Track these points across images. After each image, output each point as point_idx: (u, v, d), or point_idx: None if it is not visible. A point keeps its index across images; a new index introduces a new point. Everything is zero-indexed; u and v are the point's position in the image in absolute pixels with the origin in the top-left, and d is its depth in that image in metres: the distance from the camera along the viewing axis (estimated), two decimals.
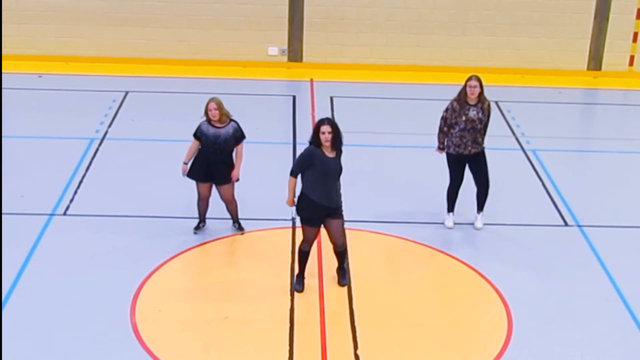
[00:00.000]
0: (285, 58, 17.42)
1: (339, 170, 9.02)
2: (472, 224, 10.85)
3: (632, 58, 17.54)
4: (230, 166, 10.13)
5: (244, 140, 10.15)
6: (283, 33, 17.25)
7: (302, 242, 9.25)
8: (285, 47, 17.33)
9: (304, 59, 17.42)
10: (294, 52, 17.38)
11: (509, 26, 17.26)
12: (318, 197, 8.96)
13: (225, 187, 10.22)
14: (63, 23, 17.02)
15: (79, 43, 17.13)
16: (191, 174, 10.22)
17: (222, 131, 9.97)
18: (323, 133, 8.79)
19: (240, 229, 10.50)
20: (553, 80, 17.19)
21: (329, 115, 14.66)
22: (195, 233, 10.43)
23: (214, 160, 10.03)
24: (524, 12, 17.18)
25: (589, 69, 17.63)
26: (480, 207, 10.84)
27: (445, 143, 10.53)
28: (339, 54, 17.34)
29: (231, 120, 10.06)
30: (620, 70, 17.58)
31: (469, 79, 10.37)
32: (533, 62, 17.47)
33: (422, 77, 16.99)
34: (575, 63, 17.54)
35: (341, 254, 9.36)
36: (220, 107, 9.95)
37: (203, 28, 17.13)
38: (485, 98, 10.42)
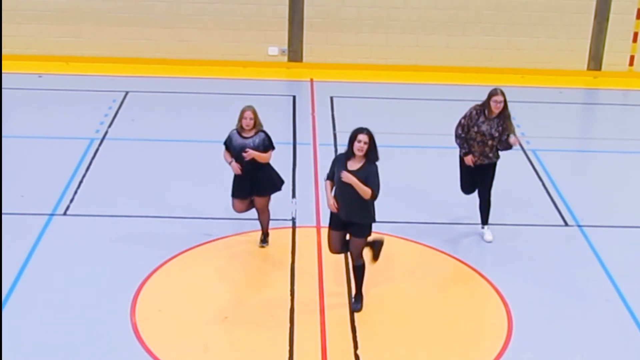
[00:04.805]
0: (285, 58, 17.42)
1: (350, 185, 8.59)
2: (479, 234, 10.75)
3: (632, 58, 17.54)
4: (266, 177, 9.80)
5: (273, 151, 9.77)
6: (283, 33, 17.25)
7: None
8: (285, 47, 17.34)
9: (304, 59, 17.42)
10: (294, 52, 17.38)
11: (509, 26, 17.27)
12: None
13: (259, 199, 9.94)
14: (63, 23, 17.02)
15: (79, 43, 17.13)
16: (232, 189, 9.88)
17: (249, 142, 9.64)
18: (359, 141, 8.50)
19: (263, 241, 10.23)
20: (553, 80, 17.19)
21: (329, 115, 14.69)
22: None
23: (247, 172, 9.70)
24: (524, 12, 17.19)
25: (589, 69, 17.63)
26: (484, 220, 10.63)
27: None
28: (339, 54, 17.34)
29: (260, 130, 9.71)
30: (620, 70, 17.58)
31: (494, 94, 9.98)
32: (533, 62, 17.47)
33: (422, 77, 16.98)
34: (575, 63, 17.55)
35: (357, 269, 9.03)
36: (255, 116, 9.64)
37: (203, 28, 17.13)
38: (508, 114, 10.07)
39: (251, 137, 9.66)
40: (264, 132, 9.73)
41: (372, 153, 8.56)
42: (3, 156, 12.05)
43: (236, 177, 9.80)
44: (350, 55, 17.35)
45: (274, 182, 9.93)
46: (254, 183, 9.79)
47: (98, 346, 8.32)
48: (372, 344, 8.51)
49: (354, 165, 8.60)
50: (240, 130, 9.71)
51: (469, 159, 10.25)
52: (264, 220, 10.15)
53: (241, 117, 9.64)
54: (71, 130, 13.73)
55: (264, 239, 10.25)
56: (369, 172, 8.55)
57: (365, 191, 8.50)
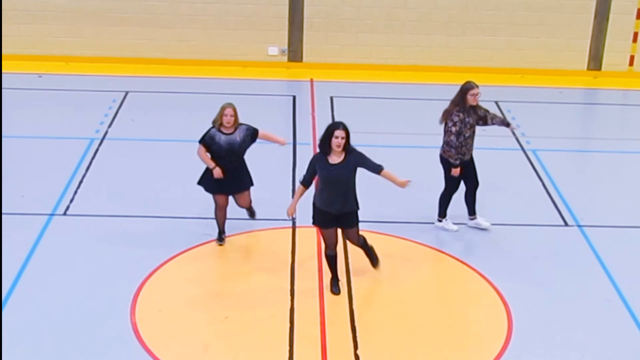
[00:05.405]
0: (285, 58, 17.42)
1: (342, 176, 8.78)
2: (476, 226, 10.79)
3: (632, 58, 17.54)
4: (245, 172, 9.96)
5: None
6: (283, 33, 17.25)
7: (325, 246, 9.26)
8: (285, 47, 17.34)
9: (304, 59, 17.42)
10: (294, 52, 17.39)
11: (509, 26, 17.27)
12: (320, 203, 8.95)
13: (244, 195, 10.07)
14: (63, 23, 17.03)
15: (79, 43, 17.13)
16: (207, 186, 9.98)
17: (233, 137, 9.74)
18: (337, 137, 8.65)
19: (252, 214, 10.43)
20: (553, 80, 17.19)
21: (329, 115, 14.69)
22: (220, 244, 10.23)
23: (229, 169, 9.82)
24: (524, 12, 17.19)
25: (589, 69, 17.63)
26: (473, 210, 10.77)
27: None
28: (339, 54, 17.34)
29: (239, 124, 9.82)
30: (620, 70, 17.58)
31: (472, 87, 10.18)
32: (533, 62, 17.47)
33: (422, 77, 16.99)
34: (575, 63, 17.55)
35: (364, 246, 9.39)
36: (235, 113, 9.74)
37: (203, 28, 17.14)
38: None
39: (232, 132, 9.78)
40: (243, 124, 9.86)
41: (348, 144, 8.79)
42: (3, 156, 12.05)
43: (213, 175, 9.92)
44: (350, 55, 17.35)
45: (249, 176, 10.06)
46: (235, 179, 9.91)
47: (98, 346, 8.32)
48: (372, 344, 8.51)
49: (334, 160, 8.80)
50: (220, 127, 9.79)
51: (457, 171, 10.36)
52: (249, 209, 10.39)
53: (222, 114, 9.75)
54: (71, 130, 13.73)
55: (251, 212, 10.45)
56: (358, 158, 8.84)
57: (396, 177, 8.96)
